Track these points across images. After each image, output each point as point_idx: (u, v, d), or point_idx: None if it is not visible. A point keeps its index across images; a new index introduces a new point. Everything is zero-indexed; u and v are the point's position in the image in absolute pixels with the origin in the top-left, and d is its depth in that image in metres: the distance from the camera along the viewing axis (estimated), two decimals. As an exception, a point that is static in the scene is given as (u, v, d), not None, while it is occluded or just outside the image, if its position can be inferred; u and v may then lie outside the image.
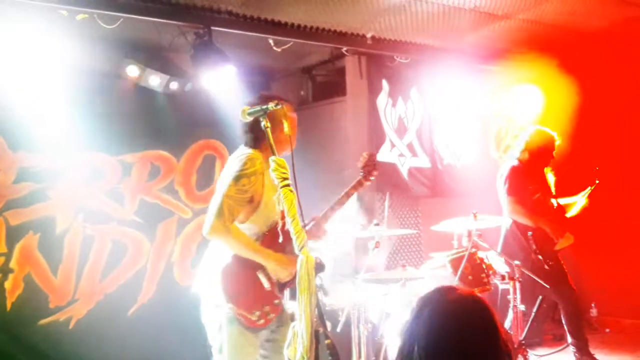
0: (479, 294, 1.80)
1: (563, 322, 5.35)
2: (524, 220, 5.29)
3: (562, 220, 5.37)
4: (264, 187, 3.30)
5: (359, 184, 3.55)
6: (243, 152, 3.35)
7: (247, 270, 3.29)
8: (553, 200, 5.46)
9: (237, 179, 3.21)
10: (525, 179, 5.35)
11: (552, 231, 5.22)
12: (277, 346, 3.47)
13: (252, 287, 3.30)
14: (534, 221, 5.25)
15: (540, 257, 5.14)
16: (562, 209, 5.51)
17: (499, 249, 5.39)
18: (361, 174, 3.57)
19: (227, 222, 3.16)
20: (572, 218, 5.50)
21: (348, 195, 3.48)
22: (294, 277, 3.32)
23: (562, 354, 5.68)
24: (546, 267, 5.12)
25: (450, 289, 1.78)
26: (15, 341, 4.91)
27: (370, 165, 3.60)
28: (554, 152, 5.47)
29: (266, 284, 3.32)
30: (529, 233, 5.22)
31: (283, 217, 3.48)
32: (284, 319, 3.49)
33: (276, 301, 3.38)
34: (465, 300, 1.73)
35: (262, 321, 3.31)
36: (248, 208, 3.29)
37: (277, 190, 3.30)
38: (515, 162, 5.47)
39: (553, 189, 5.55)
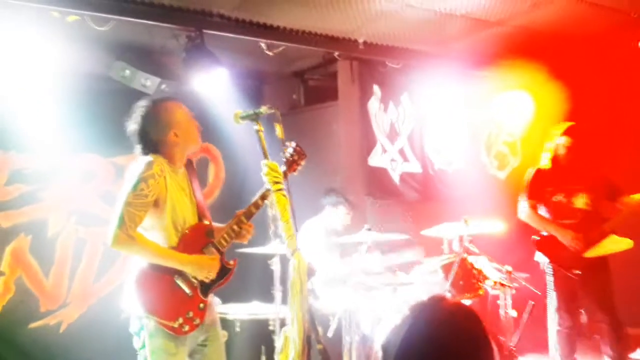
0: (469, 306, 1.78)
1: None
2: (535, 226, 5.03)
3: (593, 223, 4.83)
4: (167, 189, 3.14)
5: (284, 175, 3.24)
6: (140, 159, 3.20)
7: (163, 276, 3.11)
8: (581, 201, 4.92)
9: (134, 185, 3.05)
10: (545, 181, 5.01)
11: (561, 238, 4.84)
12: (208, 350, 3.29)
13: (170, 294, 3.10)
14: (542, 227, 4.97)
15: (550, 264, 4.85)
16: (599, 210, 4.93)
17: None
18: (284, 165, 3.30)
19: (130, 230, 2.98)
20: (616, 221, 4.86)
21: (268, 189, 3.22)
22: (218, 278, 3.24)
23: None
24: (570, 275, 4.78)
25: (440, 298, 1.76)
26: (5, 345, 4.88)
27: (294, 157, 3.34)
28: (575, 146, 4.94)
29: (187, 290, 3.15)
30: (533, 237, 5.01)
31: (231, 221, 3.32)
32: (209, 329, 3.30)
33: (201, 305, 3.19)
34: (453, 310, 1.71)
35: (187, 327, 3.10)
36: (154, 212, 3.12)
37: (183, 193, 3.26)
38: (539, 165, 5.12)
39: (601, 189, 4.95)
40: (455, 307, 1.71)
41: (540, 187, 5.02)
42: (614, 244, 4.81)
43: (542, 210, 5.03)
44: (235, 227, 3.28)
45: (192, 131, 3.33)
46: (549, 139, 5.11)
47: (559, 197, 4.95)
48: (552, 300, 4.90)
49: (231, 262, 3.35)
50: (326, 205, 5.52)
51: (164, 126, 3.23)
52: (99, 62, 5.29)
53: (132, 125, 3.25)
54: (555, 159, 5.02)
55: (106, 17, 4.74)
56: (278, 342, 3.00)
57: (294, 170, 3.38)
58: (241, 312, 4.89)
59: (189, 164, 3.42)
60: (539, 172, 5.08)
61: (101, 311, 5.36)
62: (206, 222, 3.34)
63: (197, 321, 3.16)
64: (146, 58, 5.46)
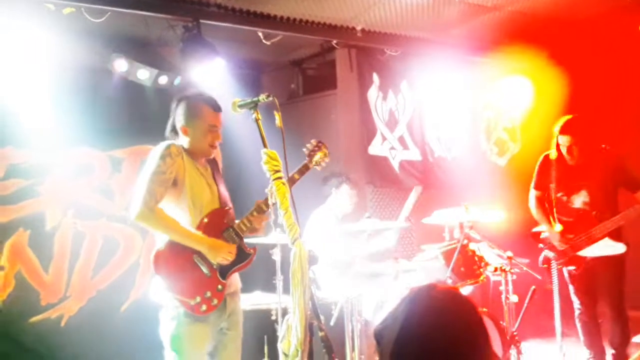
0: (462, 292, 1.76)
1: None
2: (536, 219, 4.96)
3: (588, 224, 4.67)
4: (185, 169, 3.31)
5: (305, 168, 3.50)
6: (161, 143, 3.39)
7: (182, 255, 3.25)
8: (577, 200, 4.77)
9: (154, 162, 3.25)
10: (550, 174, 4.83)
11: (550, 235, 4.81)
12: (226, 338, 3.43)
13: (189, 272, 3.24)
14: (539, 221, 4.91)
15: (551, 257, 4.76)
16: (601, 209, 4.68)
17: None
18: (307, 159, 3.53)
19: (151, 203, 3.18)
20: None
21: (292, 180, 3.39)
22: (237, 262, 3.37)
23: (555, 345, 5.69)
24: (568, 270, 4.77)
25: (432, 285, 1.73)
26: (6, 339, 4.88)
27: (317, 152, 3.55)
28: (575, 143, 4.67)
29: (205, 270, 3.28)
30: (534, 229, 4.97)
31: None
32: (230, 318, 3.44)
33: (219, 286, 3.32)
34: (447, 297, 1.69)
35: (204, 307, 3.24)
36: (174, 193, 3.28)
37: (203, 179, 3.40)
38: (548, 152, 4.88)
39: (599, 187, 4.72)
40: (450, 294, 1.70)
41: (546, 179, 4.89)
42: (606, 248, 4.63)
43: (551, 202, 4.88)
44: (255, 213, 3.39)
45: (202, 140, 3.44)
46: (555, 121, 4.85)
47: (560, 195, 4.84)
48: (556, 289, 4.78)
49: (251, 249, 3.49)
50: (331, 190, 5.50)
51: (183, 118, 3.43)
52: (95, 54, 5.26)
53: (173, 104, 3.50)
54: (559, 152, 4.79)
55: (102, 9, 4.73)
56: (280, 331, 2.99)
57: (318, 165, 3.59)
58: (243, 302, 4.86)
59: (213, 163, 3.57)
60: (545, 161, 4.92)
61: (101, 304, 5.37)
62: (226, 208, 3.46)
63: (215, 302, 3.29)
64: (143, 50, 5.44)
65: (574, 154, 4.71)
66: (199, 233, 3.29)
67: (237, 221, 3.43)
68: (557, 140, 4.78)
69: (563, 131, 4.71)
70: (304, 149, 3.55)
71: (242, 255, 3.42)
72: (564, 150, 4.75)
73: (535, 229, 5.02)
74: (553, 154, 4.84)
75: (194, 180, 3.35)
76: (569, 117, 4.83)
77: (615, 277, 4.74)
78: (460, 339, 1.60)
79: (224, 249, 3.32)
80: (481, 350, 1.62)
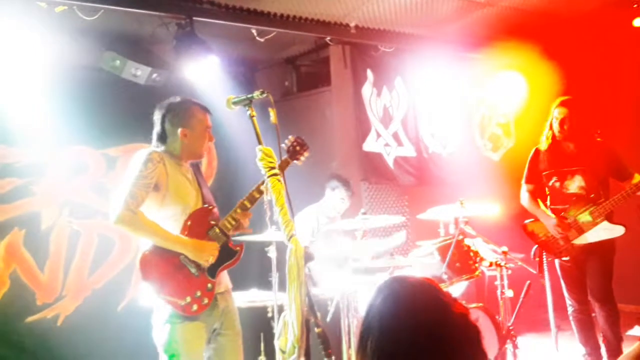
0: (427, 279, 1.77)
1: None
2: (530, 212, 4.95)
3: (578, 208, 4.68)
4: (167, 174, 3.28)
5: (285, 163, 3.49)
6: (142, 150, 3.38)
7: (169, 256, 3.24)
8: (573, 184, 4.73)
9: (137, 167, 3.23)
10: (542, 164, 4.86)
11: (545, 224, 4.79)
12: (224, 339, 3.44)
13: (177, 273, 3.23)
14: (533, 212, 4.90)
15: (534, 251, 4.80)
16: (597, 193, 4.66)
17: None
18: (286, 155, 3.53)
19: (132, 206, 3.14)
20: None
21: (283, 165, 3.41)
22: (225, 259, 3.38)
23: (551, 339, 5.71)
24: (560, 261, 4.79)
25: (399, 278, 1.78)
26: (2, 339, 4.86)
27: (295, 148, 3.55)
28: (571, 119, 4.68)
29: (193, 270, 3.27)
30: (524, 222, 4.98)
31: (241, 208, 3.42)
32: (224, 316, 3.43)
33: (209, 285, 3.31)
34: (412, 286, 1.72)
35: (195, 307, 3.23)
36: (156, 197, 3.26)
37: (187, 180, 3.39)
38: (538, 145, 4.91)
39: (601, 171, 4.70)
40: (416, 282, 1.73)
41: (537, 170, 4.90)
42: (605, 231, 4.62)
43: (544, 195, 4.91)
44: (239, 210, 3.40)
45: (201, 141, 3.46)
46: (548, 115, 4.86)
47: (553, 182, 4.83)
48: (548, 282, 4.82)
49: (237, 246, 3.48)
50: (326, 189, 5.52)
51: (179, 122, 3.39)
52: (88, 52, 5.24)
53: (158, 111, 3.44)
54: (553, 137, 4.79)
55: (94, 7, 4.70)
56: (277, 328, 2.99)
57: (297, 160, 3.57)
58: (239, 299, 4.87)
59: (195, 167, 3.57)
60: (536, 153, 4.94)
61: (98, 303, 5.35)
62: (209, 207, 3.44)
63: (206, 301, 3.27)
64: (136, 47, 5.42)
65: (564, 128, 4.70)
66: (181, 236, 3.28)
67: (221, 220, 3.42)
68: (552, 117, 4.77)
69: (560, 104, 4.76)
70: (284, 145, 3.52)
71: (230, 253, 3.43)
72: (556, 126, 4.73)
73: (527, 222, 5.01)
74: (544, 144, 4.84)
75: (178, 183, 3.34)
76: (566, 96, 4.91)
77: (604, 266, 4.72)
78: (423, 327, 1.62)
79: (207, 248, 3.31)
80: (450, 337, 1.62)
